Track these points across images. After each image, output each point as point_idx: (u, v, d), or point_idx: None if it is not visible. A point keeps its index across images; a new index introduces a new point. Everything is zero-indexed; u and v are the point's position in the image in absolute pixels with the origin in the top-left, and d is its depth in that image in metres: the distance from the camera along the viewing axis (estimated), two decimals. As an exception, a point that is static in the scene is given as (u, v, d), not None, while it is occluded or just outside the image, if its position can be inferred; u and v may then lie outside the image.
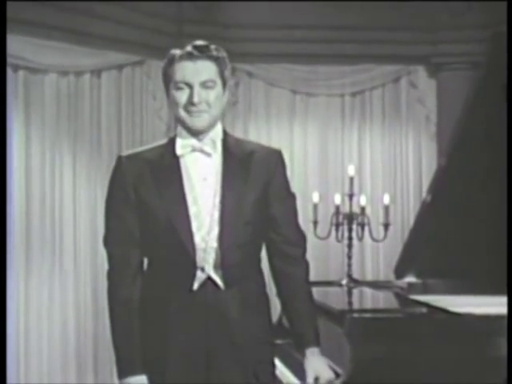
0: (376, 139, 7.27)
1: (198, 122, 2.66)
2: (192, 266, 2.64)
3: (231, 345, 2.66)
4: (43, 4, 5.77)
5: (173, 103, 2.69)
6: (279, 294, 2.81)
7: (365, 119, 7.26)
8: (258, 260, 2.79)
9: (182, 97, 2.65)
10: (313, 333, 2.80)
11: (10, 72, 5.79)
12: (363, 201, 5.61)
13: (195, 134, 2.70)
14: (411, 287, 4.61)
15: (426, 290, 4.56)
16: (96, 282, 6.16)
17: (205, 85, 2.65)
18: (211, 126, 2.70)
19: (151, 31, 6.52)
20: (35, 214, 6.01)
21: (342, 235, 5.53)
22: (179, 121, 2.71)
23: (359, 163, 7.09)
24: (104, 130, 6.40)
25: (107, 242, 2.74)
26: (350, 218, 5.48)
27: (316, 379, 2.76)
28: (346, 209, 5.56)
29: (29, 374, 5.97)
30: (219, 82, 2.69)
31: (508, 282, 3.59)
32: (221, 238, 2.65)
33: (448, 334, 3.40)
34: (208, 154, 2.70)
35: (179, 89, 2.66)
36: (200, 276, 2.65)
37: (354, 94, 7.25)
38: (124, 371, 2.68)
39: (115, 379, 6.92)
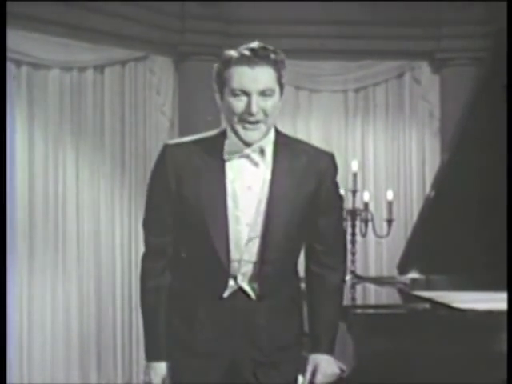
0: (379, 135, 7.27)
1: (253, 134, 2.54)
2: (224, 275, 2.58)
3: (256, 350, 2.61)
4: (46, -1, 5.78)
5: (228, 111, 2.55)
6: (308, 293, 2.72)
7: (368, 115, 7.26)
8: (295, 266, 2.70)
9: (238, 105, 2.52)
10: (329, 340, 2.70)
11: (13, 68, 5.79)
12: (366, 197, 5.60)
13: (246, 145, 2.57)
14: (414, 283, 4.61)
15: (429, 285, 4.56)
16: (99, 277, 6.13)
17: (263, 93, 2.53)
18: (265, 136, 2.58)
19: (155, 27, 6.52)
20: (38, 209, 6.01)
21: (345, 231, 5.52)
22: (232, 130, 2.57)
23: (362, 159, 7.09)
24: (107, 126, 6.40)
25: (144, 228, 2.69)
26: (354, 213, 5.46)
27: (313, 373, 2.67)
28: (349, 205, 5.55)
29: (32, 369, 5.97)
30: (277, 90, 2.58)
31: (508, 278, 3.59)
32: (261, 251, 2.58)
33: (451, 330, 3.39)
34: (255, 164, 2.59)
35: (236, 96, 2.52)
36: (232, 285, 2.60)
37: (357, 90, 7.25)
38: (149, 356, 2.67)
39: (118, 374, 6.94)
